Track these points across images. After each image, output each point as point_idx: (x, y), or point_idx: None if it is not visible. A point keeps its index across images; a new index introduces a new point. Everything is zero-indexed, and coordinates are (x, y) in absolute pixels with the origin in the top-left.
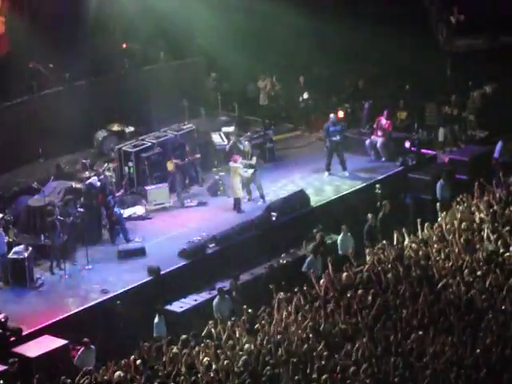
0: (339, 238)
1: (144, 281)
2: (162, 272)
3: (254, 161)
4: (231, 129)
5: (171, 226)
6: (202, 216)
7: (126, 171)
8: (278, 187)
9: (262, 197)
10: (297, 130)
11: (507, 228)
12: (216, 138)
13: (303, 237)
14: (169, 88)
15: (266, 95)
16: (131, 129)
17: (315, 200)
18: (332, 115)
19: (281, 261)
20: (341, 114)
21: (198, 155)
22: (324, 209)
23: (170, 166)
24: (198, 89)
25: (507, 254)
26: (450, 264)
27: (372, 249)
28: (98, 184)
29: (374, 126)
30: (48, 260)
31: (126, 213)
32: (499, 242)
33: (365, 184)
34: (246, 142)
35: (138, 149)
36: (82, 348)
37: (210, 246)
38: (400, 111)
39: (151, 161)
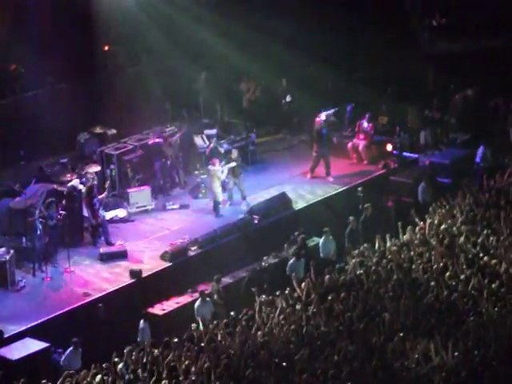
0: (321, 240)
1: (126, 283)
2: (144, 275)
3: (233, 164)
4: (213, 131)
5: (153, 228)
6: (184, 219)
7: (108, 174)
8: (260, 190)
9: (244, 198)
10: (279, 133)
11: (487, 231)
12: (198, 140)
13: (286, 239)
14: (151, 90)
15: (248, 98)
16: (113, 131)
17: (297, 203)
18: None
19: (263, 263)
20: (323, 116)
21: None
22: (306, 211)
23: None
24: (181, 91)
25: (487, 257)
26: (432, 267)
27: (354, 252)
28: (80, 187)
29: (356, 129)
30: (29, 262)
31: (108, 215)
32: (479, 246)
33: (347, 187)
34: (234, 150)
35: (120, 151)
36: (71, 348)
37: (192, 248)
38: (382, 116)
39: (133, 163)
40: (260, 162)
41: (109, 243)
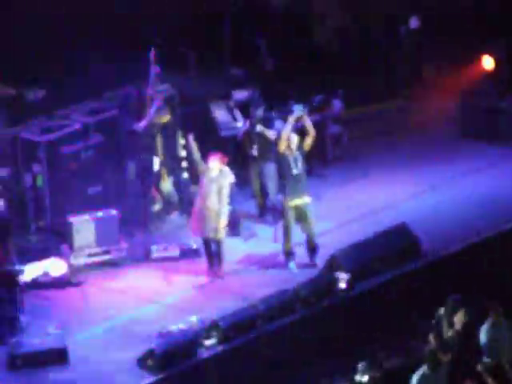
0: (483, 327)
1: None
2: None
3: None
4: (251, 94)
5: (121, 299)
6: (190, 278)
7: (30, 183)
8: (350, 217)
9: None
10: (395, 98)
11: None
12: (222, 113)
13: (407, 320)
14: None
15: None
16: (39, 93)
17: (430, 243)
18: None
19: (357, 377)
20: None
21: None
22: (451, 261)
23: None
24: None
25: None
26: None
27: None
28: None
29: None
30: None
31: (29, 273)
32: None
33: None
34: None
35: (53, 136)
36: None
37: (206, 343)
38: None
39: (82, 161)
40: (350, 157)
41: (27, 333)
